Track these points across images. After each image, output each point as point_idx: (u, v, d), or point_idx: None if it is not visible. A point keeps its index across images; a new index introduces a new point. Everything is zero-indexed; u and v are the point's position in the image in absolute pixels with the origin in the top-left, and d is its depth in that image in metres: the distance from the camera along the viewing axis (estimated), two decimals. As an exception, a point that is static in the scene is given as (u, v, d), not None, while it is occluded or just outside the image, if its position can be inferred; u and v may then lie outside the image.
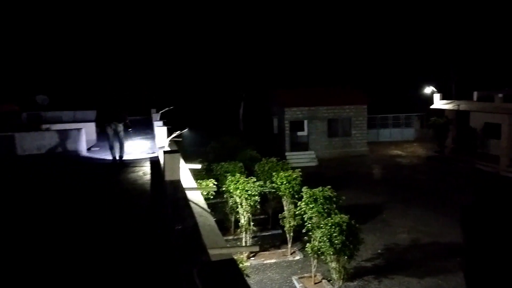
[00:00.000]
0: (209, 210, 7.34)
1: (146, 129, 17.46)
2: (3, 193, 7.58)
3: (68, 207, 6.45)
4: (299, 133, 30.38)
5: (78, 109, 20.73)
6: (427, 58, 39.73)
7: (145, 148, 12.29)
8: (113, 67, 34.40)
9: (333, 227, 9.25)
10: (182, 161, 7.58)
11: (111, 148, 9.95)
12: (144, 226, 5.41)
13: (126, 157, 10.36)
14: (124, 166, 9.68)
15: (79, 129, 11.64)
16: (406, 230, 14.78)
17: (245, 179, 13.02)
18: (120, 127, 9.87)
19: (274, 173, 13.95)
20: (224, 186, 13.51)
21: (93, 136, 14.08)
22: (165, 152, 6.99)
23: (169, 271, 3.71)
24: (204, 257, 3.65)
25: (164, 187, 6.70)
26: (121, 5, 37.00)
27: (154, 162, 8.98)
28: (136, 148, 12.29)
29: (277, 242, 14.05)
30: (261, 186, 13.15)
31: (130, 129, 10.31)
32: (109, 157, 10.31)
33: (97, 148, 12.76)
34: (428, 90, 33.72)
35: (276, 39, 38.96)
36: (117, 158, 10.00)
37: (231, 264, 2.38)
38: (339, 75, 39.57)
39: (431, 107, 30.80)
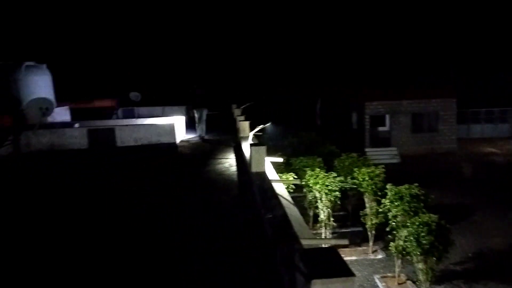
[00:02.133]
0: (293, 201, 7.47)
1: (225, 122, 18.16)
2: (106, 177, 8.43)
3: (162, 194, 6.99)
4: (380, 129, 29.22)
5: (167, 105, 22.12)
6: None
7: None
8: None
9: (421, 226, 8.83)
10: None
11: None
12: (232, 213, 5.69)
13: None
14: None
15: (171, 124, 12.50)
16: (502, 234, 13.57)
17: (325, 174, 12.92)
18: (205, 113, 12.91)
19: (355, 169, 13.64)
20: (303, 180, 13.50)
21: (183, 129, 14.94)
22: (251, 145, 7.25)
23: (265, 256, 3.88)
24: (297, 245, 3.77)
25: (250, 178, 6.95)
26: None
27: (239, 155, 9.33)
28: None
29: (357, 239, 13.73)
30: (342, 182, 12.95)
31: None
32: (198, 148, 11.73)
33: (187, 142, 13.57)
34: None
35: (354, 35, 37.97)
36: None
37: (333, 251, 2.45)
38: (424, 70, 37.24)
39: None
